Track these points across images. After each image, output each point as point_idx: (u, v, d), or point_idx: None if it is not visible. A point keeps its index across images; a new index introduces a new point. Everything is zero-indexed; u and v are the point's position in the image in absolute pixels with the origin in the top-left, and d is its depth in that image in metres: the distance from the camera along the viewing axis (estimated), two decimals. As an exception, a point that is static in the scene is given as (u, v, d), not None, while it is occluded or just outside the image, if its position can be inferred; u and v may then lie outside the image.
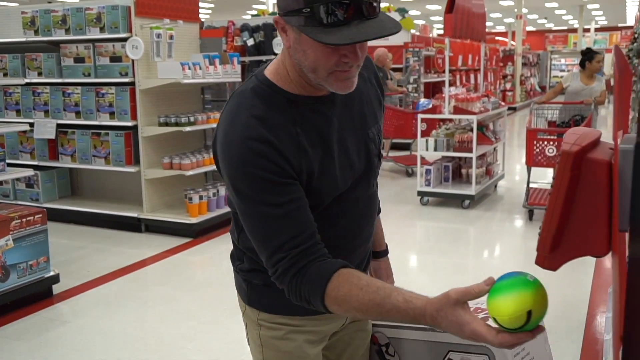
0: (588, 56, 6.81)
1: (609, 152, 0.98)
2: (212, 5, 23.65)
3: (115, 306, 4.05)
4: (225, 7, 23.76)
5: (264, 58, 7.01)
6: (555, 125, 6.42)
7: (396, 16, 11.34)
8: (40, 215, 3.99)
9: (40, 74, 5.90)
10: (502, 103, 7.85)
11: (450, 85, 8.08)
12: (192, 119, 5.50)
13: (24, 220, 3.88)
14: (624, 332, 0.85)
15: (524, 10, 22.02)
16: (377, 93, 1.50)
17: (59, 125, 5.88)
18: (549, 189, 6.50)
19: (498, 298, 1.05)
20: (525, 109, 16.92)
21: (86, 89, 5.70)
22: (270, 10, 18.40)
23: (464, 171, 6.89)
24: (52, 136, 5.84)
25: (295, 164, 1.26)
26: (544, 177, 7.75)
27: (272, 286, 1.35)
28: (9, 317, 3.86)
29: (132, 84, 5.47)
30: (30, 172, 4.25)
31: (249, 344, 1.55)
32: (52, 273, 4.13)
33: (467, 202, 6.57)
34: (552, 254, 0.99)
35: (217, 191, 5.76)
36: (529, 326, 1.04)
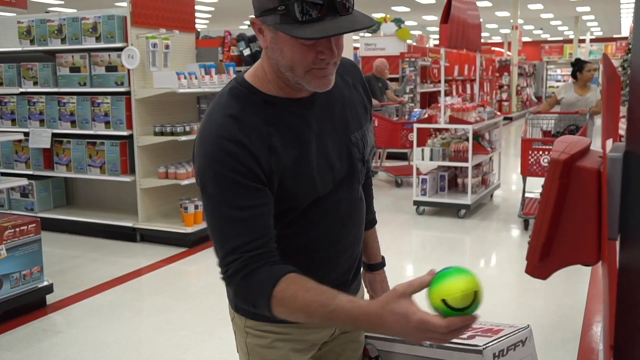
0: (578, 66, 6.81)
1: (598, 160, 0.98)
2: (209, 16, 23.72)
3: (109, 316, 4.03)
4: (222, 17, 23.83)
5: (260, 68, 7.02)
6: (550, 136, 6.43)
7: (392, 27, 11.39)
8: (34, 225, 3.97)
9: (35, 84, 5.90)
10: (498, 113, 7.88)
11: (446, 95, 8.13)
12: (187, 128, 5.50)
13: (17, 229, 3.86)
14: (614, 340, 0.85)
15: (520, 21, 22.14)
16: (363, 99, 1.51)
17: (54, 135, 5.87)
18: (544, 198, 6.50)
19: (447, 280, 1.10)
20: (522, 119, 16.97)
21: (82, 98, 5.69)
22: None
23: (459, 181, 6.89)
24: (47, 145, 5.83)
25: (265, 165, 1.27)
26: (540, 187, 7.75)
27: None
28: (1, 327, 3.83)
29: (128, 93, 5.47)
30: (24, 182, 4.24)
31: (237, 352, 1.54)
32: (45, 283, 4.10)
33: (463, 211, 6.56)
34: (541, 262, 0.98)
35: (213, 201, 5.74)
36: (472, 308, 1.08)
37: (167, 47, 5.49)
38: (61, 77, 5.78)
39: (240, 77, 1.37)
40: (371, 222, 1.72)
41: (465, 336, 1.30)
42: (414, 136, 6.82)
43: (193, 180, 5.55)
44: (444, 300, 1.08)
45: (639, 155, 0.79)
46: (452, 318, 1.08)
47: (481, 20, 7.60)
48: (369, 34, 11.66)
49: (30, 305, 4.05)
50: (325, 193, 1.37)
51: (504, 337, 1.27)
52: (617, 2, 21.94)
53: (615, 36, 33.00)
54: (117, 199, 6.13)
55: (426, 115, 8.18)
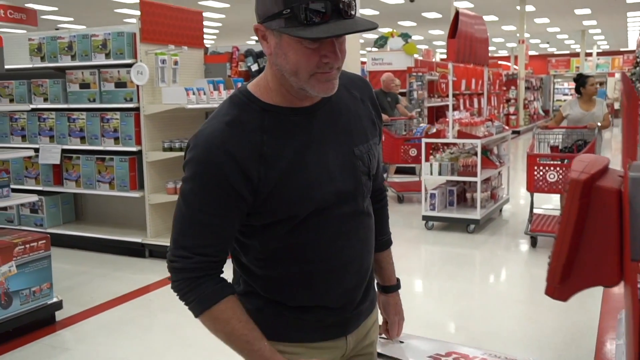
0: (581, 82, 6.73)
1: (618, 179, 0.97)
2: (216, 31, 23.88)
3: (118, 333, 4.02)
4: (229, 33, 23.98)
5: (268, 83, 7.04)
6: (558, 151, 6.39)
7: (399, 41, 11.43)
8: (44, 241, 3.98)
9: (46, 100, 5.94)
10: (506, 127, 7.86)
11: (454, 109, 8.12)
12: (196, 144, 5.51)
13: (27, 246, 3.87)
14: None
15: (526, 35, 22.17)
16: (371, 114, 1.51)
17: (63, 151, 5.90)
18: (553, 215, 6.46)
19: None
20: (529, 132, 16.93)
21: (91, 114, 5.73)
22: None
23: (468, 195, 6.87)
24: (57, 161, 5.86)
25: (252, 174, 1.29)
26: (549, 202, 7.72)
27: (264, 311, 1.41)
28: (11, 344, 3.83)
29: (137, 109, 5.50)
30: (34, 198, 4.25)
31: None
32: (55, 300, 4.10)
33: (472, 226, 6.53)
34: (562, 284, 0.97)
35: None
36: None
37: (175, 63, 5.53)
38: (71, 93, 5.82)
39: (243, 86, 1.40)
40: (386, 243, 1.71)
41: None
42: (420, 151, 6.80)
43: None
44: None
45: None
46: None
47: (488, 34, 7.61)
48: (376, 49, 11.70)
49: (40, 322, 4.04)
50: (327, 205, 1.36)
51: None
52: (623, 16, 21.96)
53: (622, 49, 32.98)
54: (126, 214, 6.14)
55: (434, 130, 8.17)
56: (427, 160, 6.76)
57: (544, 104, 22.79)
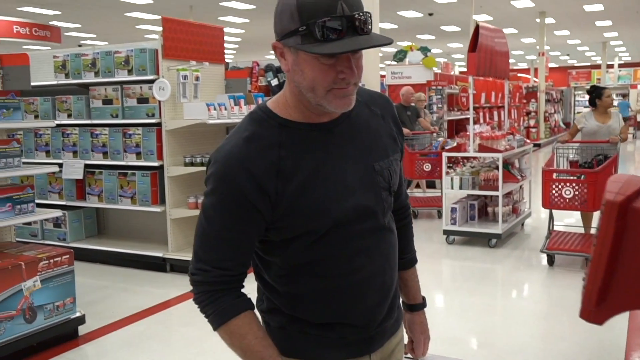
0: (597, 93, 6.56)
1: (654, 201, 0.94)
2: (236, 46, 24.09)
3: (140, 348, 4.02)
4: (249, 48, 24.18)
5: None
6: (577, 166, 6.27)
7: (418, 55, 11.41)
8: (68, 256, 4.01)
9: (69, 116, 6.02)
10: (527, 140, 7.80)
11: (474, 122, 8.06)
12: (217, 158, 5.54)
13: (51, 261, 3.90)
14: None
15: (546, 47, 22.04)
16: (392, 130, 1.51)
17: (86, 166, 5.96)
18: (574, 232, 6.35)
19: None
20: (550, 145, 16.77)
21: (114, 129, 5.79)
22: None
23: (490, 209, 6.82)
24: (80, 176, 5.92)
25: (270, 190, 1.31)
26: (571, 216, 7.62)
27: (287, 328, 1.41)
28: (34, 358, 3.85)
29: (159, 124, 5.55)
30: (58, 213, 4.29)
31: None
32: (78, 314, 4.12)
33: (493, 241, 6.47)
34: (598, 307, 0.94)
35: (242, 230, 5.76)
36: None
37: (197, 78, 5.57)
38: (94, 109, 5.89)
39: (262, 103, 1.42)
40: (411, 261, 1.70)
41: None
42: (436, 165, 6.77)
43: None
44: None
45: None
46: None
47: (508, 47, 7.57)
48: (394, 62, 11.71)
49: (63, 337, 4.06)
50: (346, 220, 1.37)
51: None
52: (645, 27, 21.75)
53: (644, 61, 32.63)
54: (147, 229, 6.18)
55: (455, 144, 8.12)
56: (439, 176, 6.73)
57: (564, 117, 22.60)
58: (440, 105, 10.97)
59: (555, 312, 4.61)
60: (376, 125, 1.47)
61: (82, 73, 5.87)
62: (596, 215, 6.03)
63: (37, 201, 5.51)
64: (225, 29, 6.72)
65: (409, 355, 1.71)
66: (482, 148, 6.68)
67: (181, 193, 5.72)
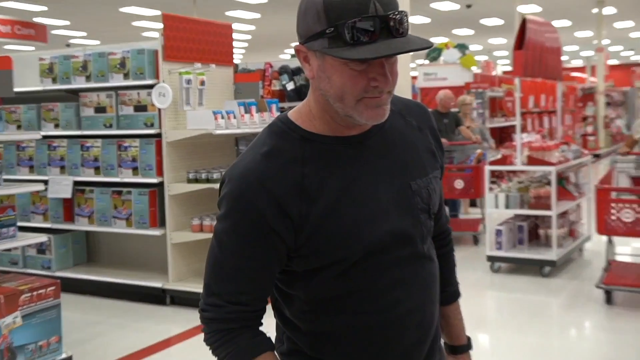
0: None
1: None
2: (245, 45, 24.28)
3: (136, 394, 4.02)
4: (260, 47, 24.36)
5: (305, 104, 7.08)
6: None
7: (455, 53, 11.40)
8: (53, 288, 4.03)
9: (57, 126, 6.08)
10: (585, 151, 7.73)
11: (522, 131, 8.00)
12: (225, 174, 5.55)
13: (34, 293, 3.92)
14: None
15: (606, 42, 21.89)
16: (430, 144, 1.52)
17: (75, 183, 6.01)
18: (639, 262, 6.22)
19: None
20: (611, 156, 16.59)
21: (107, 141, 5.84)
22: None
23: (541, 232, 6.76)
24: (68, 195, 5.97)
25: (293, 211, 1.32)
26: (635, 241, 7.49)
27: None
28: (15, 406, 3.86)
29: (158, 135, 5.59)
30: (43, 238, 4.33)
31: None
32: (64, 355, 4.13)
33: (547, 269, 6.40)
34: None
35: (253, 257, 5.75)
36: None
37: (202, 83, 5.61)
38: (85, 118, 5.95)
39: (283, 114, 1.45)
40: (453, 294, 1.70)
41: None
42: (470, 181, 6.71)
43: (231, 233, 5.57)
44: None
45: None
46: None
47: (561, 43, 7.53)
48: (427, 62, 11.70)
49: (48, 381, 4.07)
50: (381, 246, 1.37)
51: None
52: None
53: None
54: (145, 255, 6.20)
55: (499, 156, 8.07)
56: (476, 194, 6.67)
57: (628, 122, 22.34)
58: (481, 111, 10.91)
59: (620, 355, 4.52)
60: (412, 138, 1.48)
61: (71, 77, 5.94)
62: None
63: (18, 224, 5.55)
64: (234, 26, 6.77)
65: None
66: (531, 160, 6.63)
67: (184, 214, 5.74)
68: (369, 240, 1.36)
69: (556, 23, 11.86)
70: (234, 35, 6.29)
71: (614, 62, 33.69)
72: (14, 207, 4.15)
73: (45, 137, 6.09)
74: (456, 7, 17.73)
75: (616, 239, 6.03)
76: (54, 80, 6.05)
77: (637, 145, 6.66)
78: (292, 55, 15.29)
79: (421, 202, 1.44)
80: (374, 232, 1.36)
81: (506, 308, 5.78)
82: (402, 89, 7.42)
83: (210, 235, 5.57)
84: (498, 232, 6.59)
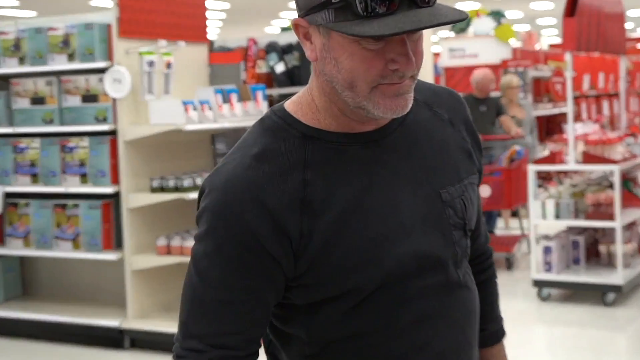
0: None
1: None
2: (223, 17, 24.29)
3: None
4: (240, 19, 24.36)
5: (299, 90, 7.07)
6: None
7: (489, 22, 11.43)
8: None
9: (-19, 122, 6.06)
10: (657, 145, 7.73)
11: (575, 120, 8.02)
12: (198, 181, 5.55)
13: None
14: None
15: (677, 6, 21.92)
16: (465, 142, 1.53)
17: (7, 195, 6.00)
18: None
19: None
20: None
21: (47, 141, 5.83)
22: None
23: (602, 248, 6.77)
24: (-1, 210, 5.96)
25: (292, 229, 1.32)
26: None
27: None
28: None
29: (113, 133, 5.59)
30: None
31: None
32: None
33: (610, 295, 6.41)
34: None
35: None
36: None
37: (168, 65, 5.61)
38: (18, 112, 5.94)
39: (279, 104, 1.45)
40: (496, 334, 1.70)
41: None
42: (488, 191, 6.66)
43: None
44: None
45: None
46: None
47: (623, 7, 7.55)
48: (453, 34, 11.72)
49: None
50: (404, 273, 1.37)
51: None
52: None
53: None
54: (97, 286, 6.19)
55: (547, 153, 8.07)
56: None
57: None
58: (522, 95, 10.92)
59: None
60: (442, 134, 1.49)
61: (0, 59, 5.93)
62: None
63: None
64: (207, -8, 6.77)
65: None
66: (587, 158, 6.64)
67: (147, 232, 5.73)
68: (389, 265, 1.36)
69: (616, -17, 11.86)
70: (208, 4, 6.29)
71: (691, 30, 33.75)
72: None
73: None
74: (488, -37, 17.79)
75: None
76: (-21, 64, 6.05)
77: None
78: (283, 29, 15.31)
79: (454, 216, 1.44)
80: (394, 255, 1.36)
81: (560, 347, 5.78)
82: (422, 70, 7.43)
83: (180, 259, 5.58)
84: (547, 250, 6.58)
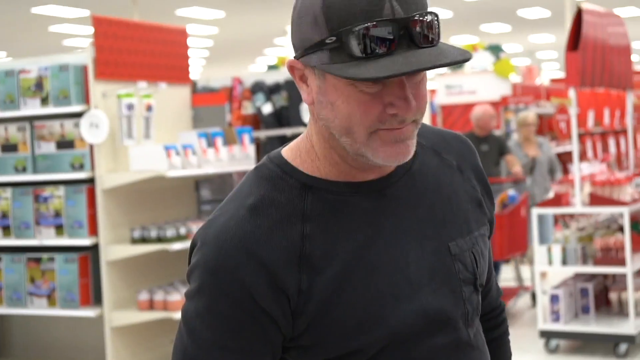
0: None
1: None
2: (205, 54, 24.40)
3: None
4: (224, 57, 24.47)
5: (288, 132, 7.11)
6: None
7: (487, 57, 11.53)
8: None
9: (-52, 172, 6.05)
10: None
11: (580, 159, 8.04)
12: (182, 230, 5.54)
13: None
14: None
15: (685, 37, 22.12)
16: (476, 191, 1.52)
17: (-23, 249, 5.97)
18: None
19: None
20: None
21: (20, 191, 5.82)
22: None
23: (613, 296, 6.75)
24: (-32, 265, 5.93)
25: (289, 285, 1.30)
26: None
27: None
28: None
29: (91, 180, 5.59)
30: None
31: None
32: None
33: (623, 347, 6.38)
34: None
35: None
36: None
37: (149, 108, 5.63)
38: (-11, 160, 5.94)
39: (275, 152, 1.44)
40: None
41: None
42: (501, 235, 6.64)
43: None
44: None
45: None
46: None
47: (629, 40, 7.61)
48: (449, 71, 11.79)
49: None
50: (410, 332, 1.36)
51: None
52: None
53: None
54: (74, 345, 6.14)
55: (551, 195, 8.09)
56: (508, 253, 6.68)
57: None
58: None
59: None
60: (451, 182, 1.49)
61: (-31, 105, 5.95)
62: None
63: None
64: (190, 29, 6.82)
65: None
66: (594, 199, 6.64)
67: (127, 287, 5.71)
68: (394, 324, 1.35)
69: (621, 12, 11.91)
70: (190, 42, 6.33)
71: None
72: None
73: None
74: (485, -5, 17.93)
75: None
76: (-54, 110, 6.05)
77: None
78: (270, 67, 15.37)
79: (464, 271, 1.43)
80: (400, 313, 1.35)
81: (570, 402, 5.75)
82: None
83: (163, 314, 5.56)
84: (554, 299, 6.57)
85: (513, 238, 7.58)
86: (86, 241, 5.59)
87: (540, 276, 6.74)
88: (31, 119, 5.82)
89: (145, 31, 5.93)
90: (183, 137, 5.74)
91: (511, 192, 7.99)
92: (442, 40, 1.29)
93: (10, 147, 5.89)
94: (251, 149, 5.94)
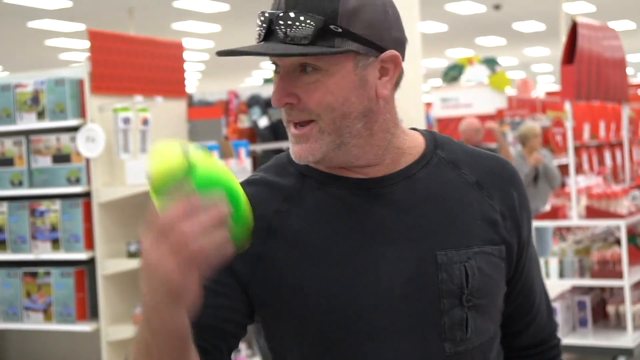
0: None
1: None
2: (201, 68, 24.45)
3: None
4: (220, 70, 24.52)
5: (285, 145, 7.09)
6: None
7: (482, 71, 11.57)
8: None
9: (-55, 186, 6.05)
10: (663, 197, 7.77)
11: (576, 172, 8.06)
12: (178, 245, 5.53)
13: None
14: None
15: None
16: (492, 210, 1.50)
17: (-27, 263, 5.96)
18: None
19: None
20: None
21: (16, 205, 5.81)
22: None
23: (611, 309, 6.74)
24: (-37, 280, 5.92)
25: (253, 248, 1.36)
26: None
27: None
28: None
29: (87, 194, 5.57)
30: None
31: None
32: None
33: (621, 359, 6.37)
34: None
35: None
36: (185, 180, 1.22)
37: (145, 122, 5.63)
38: (-15, 174, 5.93)
39: None
40: None
41: None
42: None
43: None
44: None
45: None
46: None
47: (625, 53, 7.64)
48: (445, 84, 11.82)
49: None
50: (370, 329, 1.38)
51: None
52: None
53: None
54: (70, 359, 6.11)
55: (547, 208, 8.10)
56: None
57: None
58: (519, 147, 10.99)
59: None
60: (461, 196, 1.48)
61: (-35, 119, 5.95)
62: None
63: None
64: (186, 43, 6.84)
65: None
66: (591, 212, 6.65)
67: (123, 300, 5.69)
68: (349, 311, 1.39)
69: (616, 25, 11.92)
70: (186, 56, 6.34)
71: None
72: None
73: None
74: (481, 9, 17.95)
75: None
76: (-58, 124, 6.05)
77: None
78: (266, 80, 15.41)
79: (449, 282, 1.41)
80: (357, 307, 1.39)
81: (568, 416, 5.73)
82: (413, 120, 7.45)
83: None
84: (552, 311, 6.56)
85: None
86: (82, 255, 5.57)
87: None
88: (27, 133, 5.81)
89: (142, 45, 5.94)
90: (179, 150, 5.72)
91: None
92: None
93: (6, 162, 5.87)
94: (248, 163, 5.93)
